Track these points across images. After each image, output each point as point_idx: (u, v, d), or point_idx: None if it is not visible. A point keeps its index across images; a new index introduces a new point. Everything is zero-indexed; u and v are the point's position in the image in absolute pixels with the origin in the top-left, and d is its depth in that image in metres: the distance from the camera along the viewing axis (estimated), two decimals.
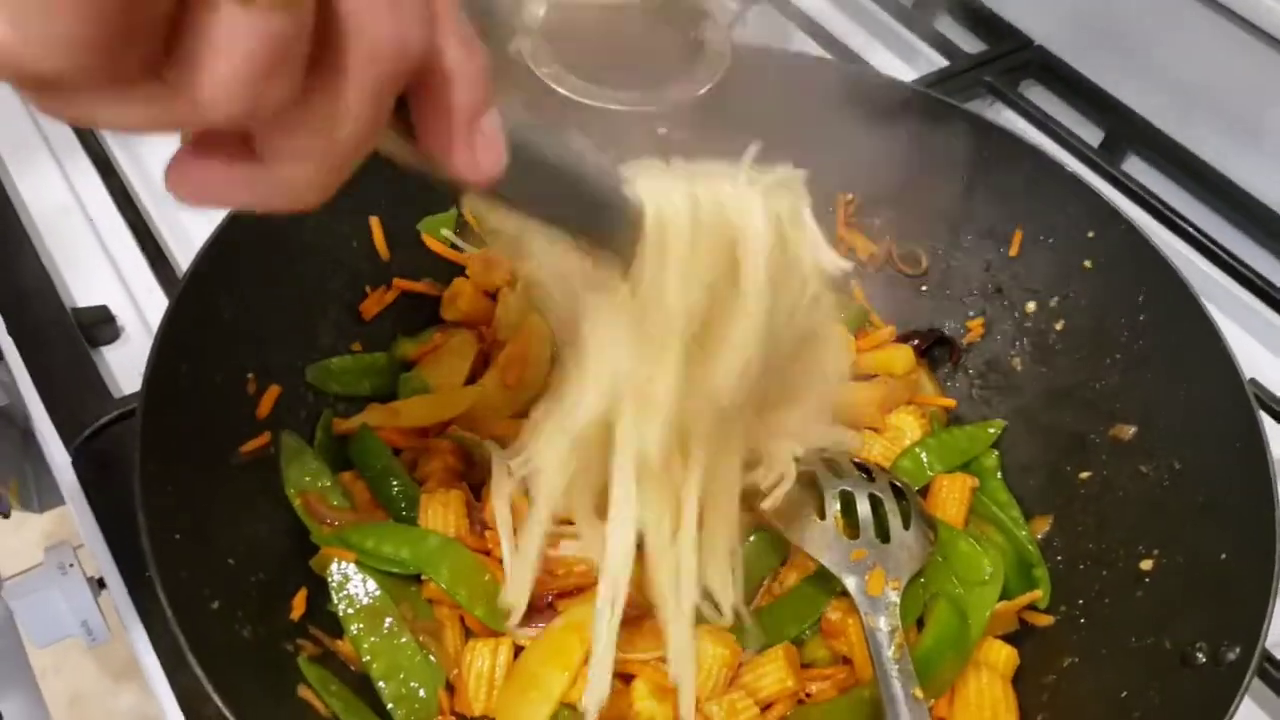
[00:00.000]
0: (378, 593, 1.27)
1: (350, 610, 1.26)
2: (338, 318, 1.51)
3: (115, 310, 1.73)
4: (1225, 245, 1.81)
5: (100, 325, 1.69)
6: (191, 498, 1.22)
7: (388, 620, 1.25)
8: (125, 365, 1.70)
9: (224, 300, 1.35)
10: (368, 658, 1.24)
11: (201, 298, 1.32)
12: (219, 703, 1.04)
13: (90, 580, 1.57)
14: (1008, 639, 1.34)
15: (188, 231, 1.81)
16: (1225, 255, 1.80)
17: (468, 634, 1.31)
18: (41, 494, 1.96)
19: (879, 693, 1.21)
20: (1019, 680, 1.29)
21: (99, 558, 1.49)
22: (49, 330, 1.65)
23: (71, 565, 1.59)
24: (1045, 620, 1.36)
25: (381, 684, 1.23)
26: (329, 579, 1.27)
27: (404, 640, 1.25)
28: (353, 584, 1.27)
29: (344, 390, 1.48)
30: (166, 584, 1.10)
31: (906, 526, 1.34)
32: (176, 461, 1.22)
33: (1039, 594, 1.35)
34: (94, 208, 1.88)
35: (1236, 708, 1.07)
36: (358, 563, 1.29)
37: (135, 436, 1.19)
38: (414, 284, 1.58)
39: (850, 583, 1.28)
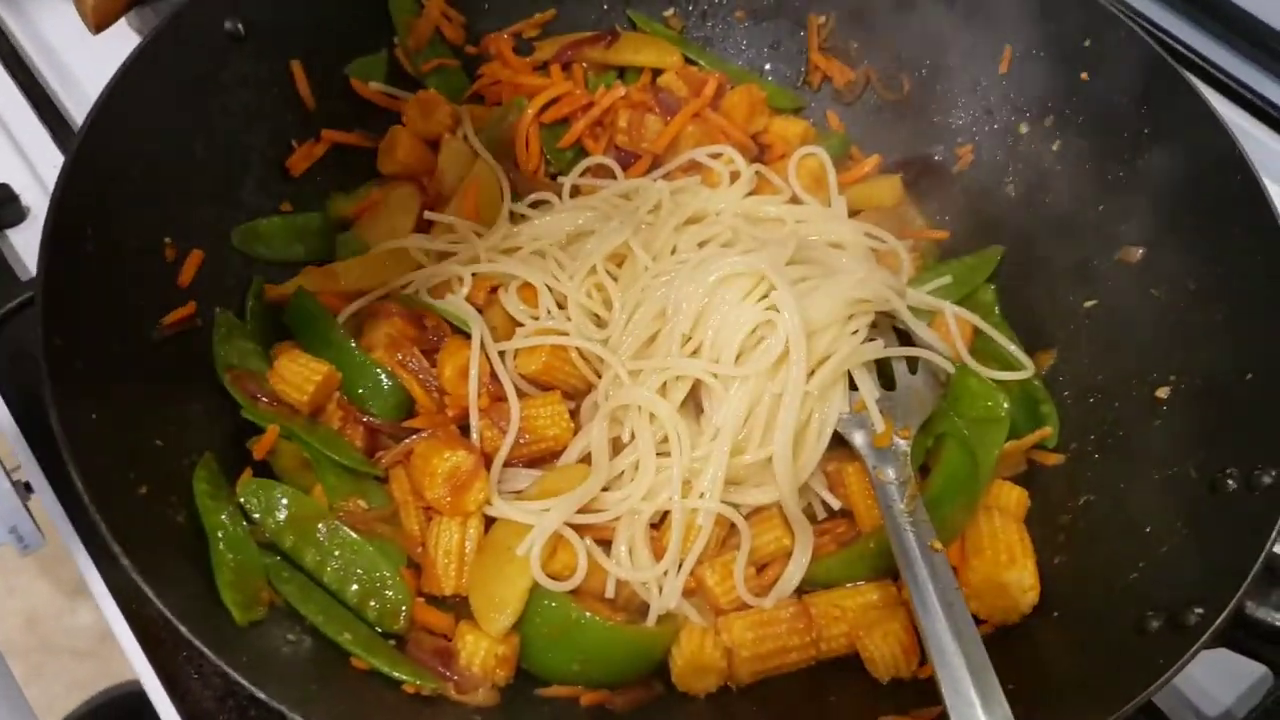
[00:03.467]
0: (297, 499, 1.13)
1: (277, 526, 1.11)
2: (262, 175, 1.35)
3: (17, 189, 1.56)
4: (1220, 64, 1.70)
5: (3, 205, 1.53)
6: (108, 374, 1.08)
7: (320, 526, 1.11)
8: (34, 247, 1.54)
9: (129, 155, 1.19)
10: (314, 568, 1.11)
11: (103, 152, 1.16)
12: (150, 593, 0.92)
13: (17, 485, 1.44)
14: (1016, 481, 1.24)
15: (88, 94, 1.62)
16: (1219, 75, 1.68)
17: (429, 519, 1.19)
18: None
19: (883, 543, 1.12)
20: (1031, 523, 1.20)
21: (18, 454, 1.36)
22: None
23: None
24: (1055, 459, 1.26)
25: (341, 589, 1.10)
26: (246, 505, 1.12)
27: (347, 536, 1.11)
28: (269, 500, 1.12)
29: (275, 255, 1.33)
30: (82, 469, 0.97)
31: (913, 371, 1.23)
32: (88, 334, 1.08)
33: (1049, 431, 1.25)
34: None
35: (1278, 534, 0.98)
36: (265, 478, 1.15)
37: (39, 308, 1.05)
38: (345, 135, 1.42)
39: (856, 437, 1.17)
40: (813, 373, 1.16)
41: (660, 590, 1.15)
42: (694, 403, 1.21)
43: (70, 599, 3.08)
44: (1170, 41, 1.70)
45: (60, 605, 3.00)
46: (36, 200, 1.56)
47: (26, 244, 1.51)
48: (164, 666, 1.21)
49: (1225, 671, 1.24)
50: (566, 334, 1.24)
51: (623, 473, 1.19)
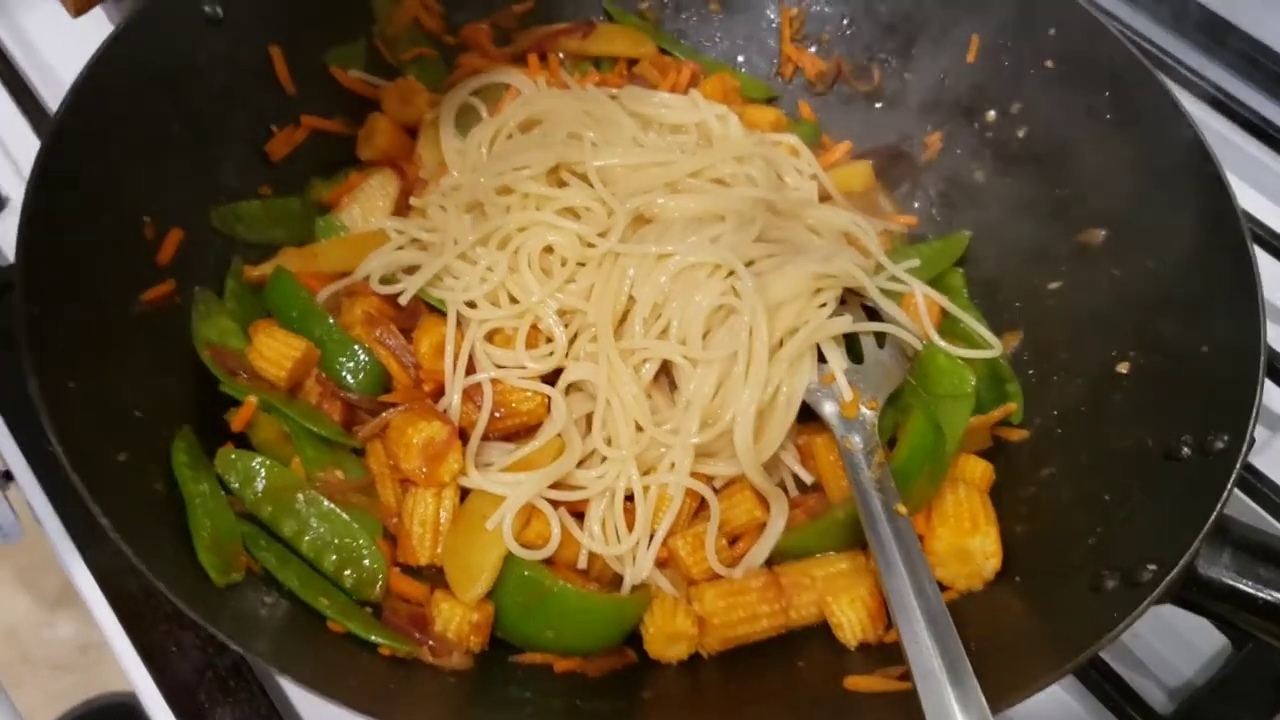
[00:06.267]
0: (275, 470, 1.15)
1: (255, 496, 1.13)
2: (242, 159, 1.37)
3: None
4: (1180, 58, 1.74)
5: None
6: (87, 345, 1.10)
7: (299, 496, 1.13)
8: (11, 235, 1.56)
9: (109, 137, 1.21)
10: (292, 538, 1.12)
11: (83, 132, 1.18)
12: (127, 551, 0.93)
13: None
14: (982, 456, 1.27)
15: (64, 82, 1.64)
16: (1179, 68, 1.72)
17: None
18: None
19: (852, 514, 1.14)
20: (996, 496, 1.22)
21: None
22: None
23: None
24: (1020, 435, 1.29)
25: (318, 558, 1.12)
26: (224, 477, 1.14)
27: (324, 506, 1.13)
28: (248, 471, 1.14)
29: (255, 237, 1.35)
30: (61, 433, 0.98)
31: (881, 346, 1.26)
32: (66, 307, 1.10)
33: (1013, 407, 1.28)
34: None
35: (1229, 495, 1.01)
36: (245, 448, 1.17)
37: (17, 278, 1.06)
38: (325, 122, 1.44)
39: (826, 408, 1.20)
40: (781, 343, 1.19)
41: (633, 561, 1.17)
42: (667, 378, 1.23)
43: (50, 612, 3.06)
44: (1133, 37, 1.74)
45: (39, 618, 2.98)
46: (15, 189, 1.58)
47: (5, 233, 1.52)
48: (142, 640, 1.23)
49: (1186, 643, 1.27)
50: (539, 316, 1.25)
51: (594, 451, 1.21)
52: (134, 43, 1.24)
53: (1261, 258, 1.23)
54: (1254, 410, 1.05)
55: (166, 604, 1.22)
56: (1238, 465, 1.02)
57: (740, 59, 1.62)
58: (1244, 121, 1.69)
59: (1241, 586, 0.97)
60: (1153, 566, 0.97)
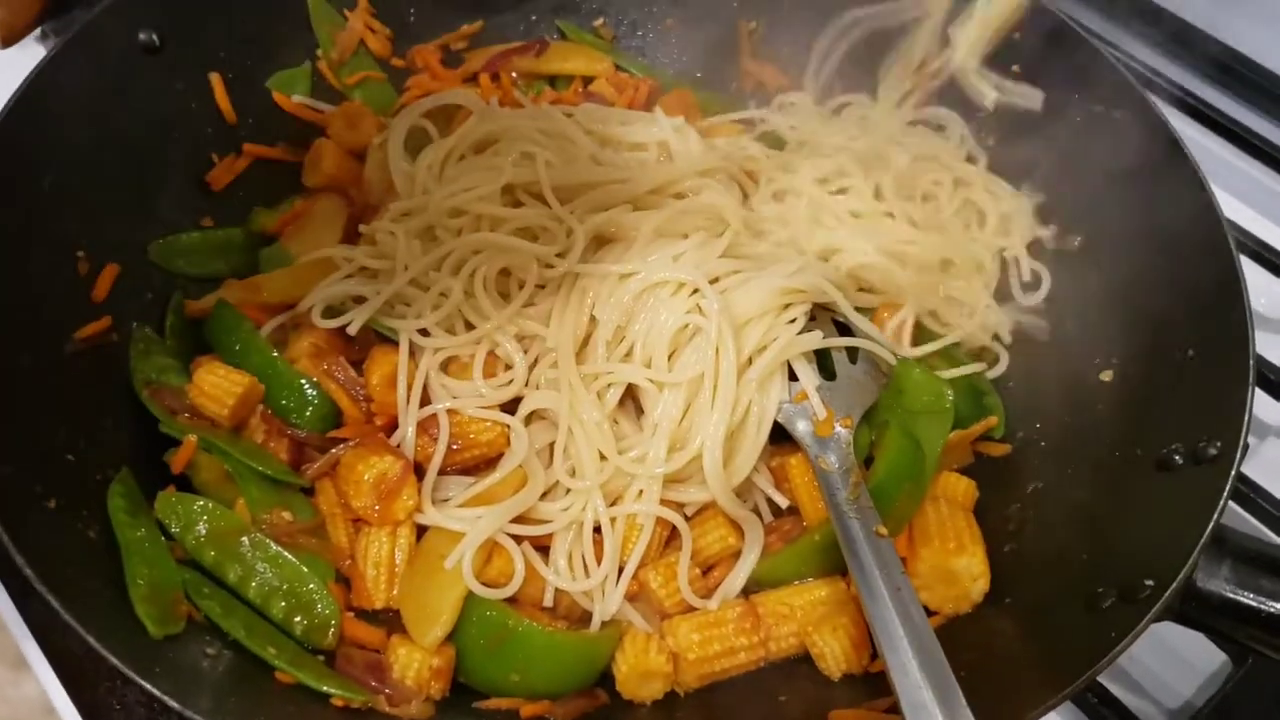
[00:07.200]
0: (218, 512, 1.08)
1: (197, 541, 1.06)
2: (181, 189, 1.31)
3: None
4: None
5: None
6: (15, 387, 1.03)
7: (244, 539, 1.06)
8: None
9: (39, 168, 1.15)
10: (237, 584, 1.05)
11: (11, 163, 1.12)
12: (54, 603, 0.87)
13: None
14: (964, 473, 1.21)
15: None
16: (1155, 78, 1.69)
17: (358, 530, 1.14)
18: None
19: (830, 537, 1.08)
20: (980, 514, 1.17)
21: None
22: None
23: None
24: (1002, 449, 1.24)
25: (266, 605, 1.05)
26: (164, 522, 1.07)
27: (271, 550, 1.06)
28: (189, 514, 1.07)
29: (196, 270, 1.29)
30: None
31: (853, 361, 1.21)
32: None
33: (994, 420, 1.23)
34: None
35: (1225, 504, 0.96)
36: (188, 490, 1.10)
37: None
38: (268, 149, 1.38)
39: (799, 427, 1.14)
40: (750, 361, 1.13)
41: (602, 596, 1.10)
42: (633, 401, 1.18)
43: (14, 671, 2.97)
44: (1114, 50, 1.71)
45: (3, 676, 2.90)
46: None
47: None
48: (84, 699, 1.15)
49: (1184, 662, 1.22)
50: (497, 342, 1.19)
51: (558, 482, 1.15)
52: (65, 71, 1.19)
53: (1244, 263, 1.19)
54: (1247, 414, 1.01)
55: (107, 660, 1.17)
56: (1233, 472, 0.98)
57: (699, 75, 1.58)
58: (1224, 130, 1.64)
59: (1243, 599, 0.93)
60: (1150, 582, 0.92)
